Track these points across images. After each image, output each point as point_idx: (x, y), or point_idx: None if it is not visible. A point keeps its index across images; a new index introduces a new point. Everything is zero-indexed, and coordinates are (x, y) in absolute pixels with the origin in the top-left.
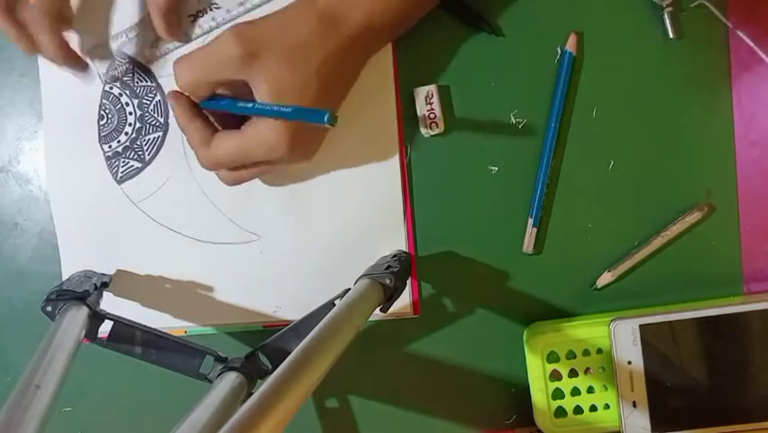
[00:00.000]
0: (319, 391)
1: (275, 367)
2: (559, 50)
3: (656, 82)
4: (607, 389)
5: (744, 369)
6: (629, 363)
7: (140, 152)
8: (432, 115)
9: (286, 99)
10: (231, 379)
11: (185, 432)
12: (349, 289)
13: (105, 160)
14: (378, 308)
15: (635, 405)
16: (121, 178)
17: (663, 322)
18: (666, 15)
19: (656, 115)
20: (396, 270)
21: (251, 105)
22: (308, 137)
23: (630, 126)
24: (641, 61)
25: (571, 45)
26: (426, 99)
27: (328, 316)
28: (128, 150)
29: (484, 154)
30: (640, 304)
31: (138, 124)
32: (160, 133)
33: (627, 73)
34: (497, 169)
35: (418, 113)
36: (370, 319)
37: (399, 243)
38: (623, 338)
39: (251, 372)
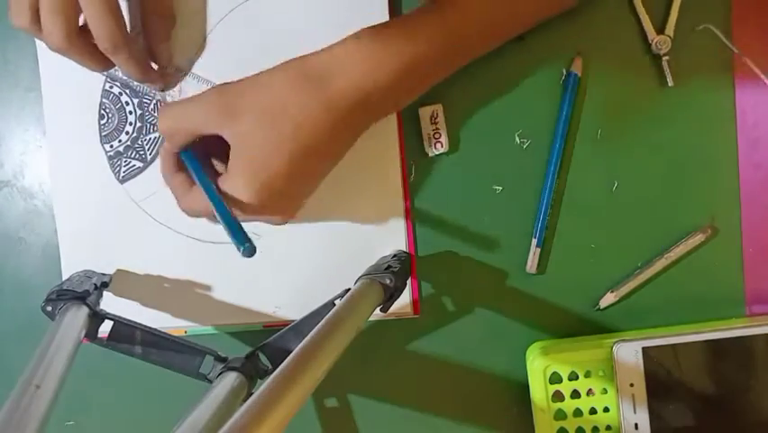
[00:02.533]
0: (319, 390)
1: (275, 367)
2: (564, 71)
3: (660, 104)
4: (608, 411)
5: (746, 392)
6: (632, 385)
7: (141, 152)
8: (437, 135)
9: (257, 159)
10: (231, 379)
11: (185, 432)
12: (349, 289)
13: (107, 159)
14: (378, 308)
15: (636, 427)
16: (123, 177)
17: (666, 345)
18: (664, 64)
19: (660, 136)
20: (396, 270)
21: (202, 179)
22: (287, 198)
23: (634, 148)
24: (645, 83)
25: (576, 67)
26: (432, 119)
27: (328, 316)
28: (129, 149)
29: (488, 174)
30: (643, 324)
31: (139, 124)
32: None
33: (631, 95)
34: (501, 188)
35: (423, 132)
36: (370, 319)
37: (400, 242)
38: (626, 361)
39: (251, 372)
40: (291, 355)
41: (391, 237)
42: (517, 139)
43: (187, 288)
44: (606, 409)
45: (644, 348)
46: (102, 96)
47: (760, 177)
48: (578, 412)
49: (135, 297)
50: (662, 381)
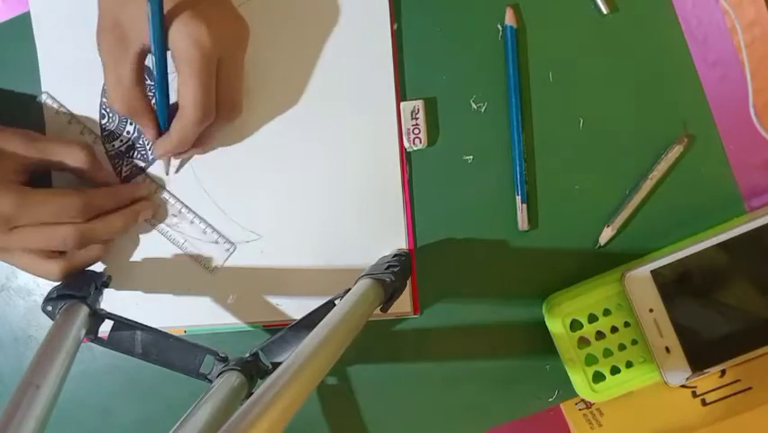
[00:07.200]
0: (318, 391)
1: (275, 367)
2: (500, 26)
3: (602, 32)
4: (637, 342)
5: (766, 285)
6: (651, 311)
7: (143, 152)
8: (416, 131)
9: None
10: (231, 379)
11: (185, 432)
12: (349, 288)
13: (109, 159)
14: (378, 308)
15: (668, 350)
16: (124, 177)
17: (674, 262)
18: None
19: (612, 62)
20: (396, 269)
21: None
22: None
23: (589, 80)
24: (581, 17)
25: (510, 19)
26: (413, 114)
27: (328, 316)
28: (131, 149)
29: (456, 146)
30: (650, 249)
31: None
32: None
33: (571, 31)
34: (471, 157)
35: (403, 127)
36: (370, 319)
37: (400, 241)
38: (638, 289)
39: (252, 371)
40: (291, 355)
41: (391, 237)
42: (473, 105)
43: (187, 288)
44: (634, 342)
45: (652, 272)
46: (102, 96)
47: (719, 73)
48: (607, 352)
49: (135, 296)
50: (679, 298)
